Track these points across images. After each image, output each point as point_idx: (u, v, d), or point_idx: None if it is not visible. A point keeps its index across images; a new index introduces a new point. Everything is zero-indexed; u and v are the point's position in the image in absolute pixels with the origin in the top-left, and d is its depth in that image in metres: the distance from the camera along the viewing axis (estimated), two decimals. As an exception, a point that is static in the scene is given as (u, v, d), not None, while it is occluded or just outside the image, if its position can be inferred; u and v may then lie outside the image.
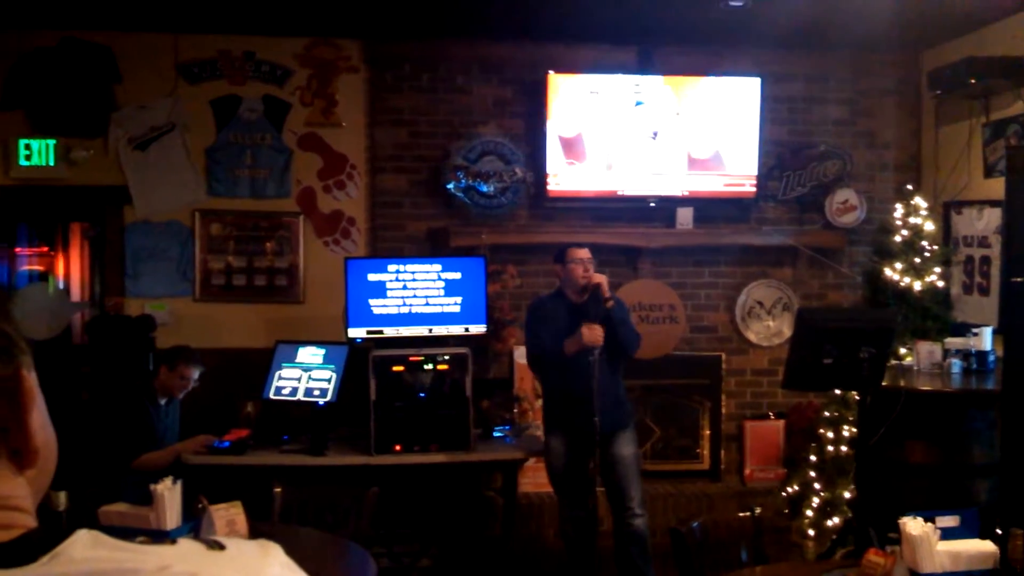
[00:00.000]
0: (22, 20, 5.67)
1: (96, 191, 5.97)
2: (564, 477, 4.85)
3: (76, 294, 6.24)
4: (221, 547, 0.83)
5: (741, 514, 5.17)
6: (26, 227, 6.36)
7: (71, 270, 6.33)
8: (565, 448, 4.81)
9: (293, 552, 0.89)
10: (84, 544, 0.76)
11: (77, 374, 5.55)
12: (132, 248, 5.98)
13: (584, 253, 4.86)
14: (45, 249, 6.36)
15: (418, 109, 6.22)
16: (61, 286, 6.27)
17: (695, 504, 5.92)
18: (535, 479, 5.98)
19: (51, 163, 5.90)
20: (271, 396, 5.11)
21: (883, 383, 4.45)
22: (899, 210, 6.00)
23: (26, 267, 6.38)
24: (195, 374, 4.94)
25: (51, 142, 5.91)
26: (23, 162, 5.86)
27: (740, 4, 5.28)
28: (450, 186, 6.07)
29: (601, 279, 4.74)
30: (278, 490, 3.98)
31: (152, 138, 6.03)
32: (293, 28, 5.98)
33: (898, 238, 5.92)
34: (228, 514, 3.35)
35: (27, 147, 5.87)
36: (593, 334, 4.54)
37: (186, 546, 0.81)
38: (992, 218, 5.66)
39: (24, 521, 0.79)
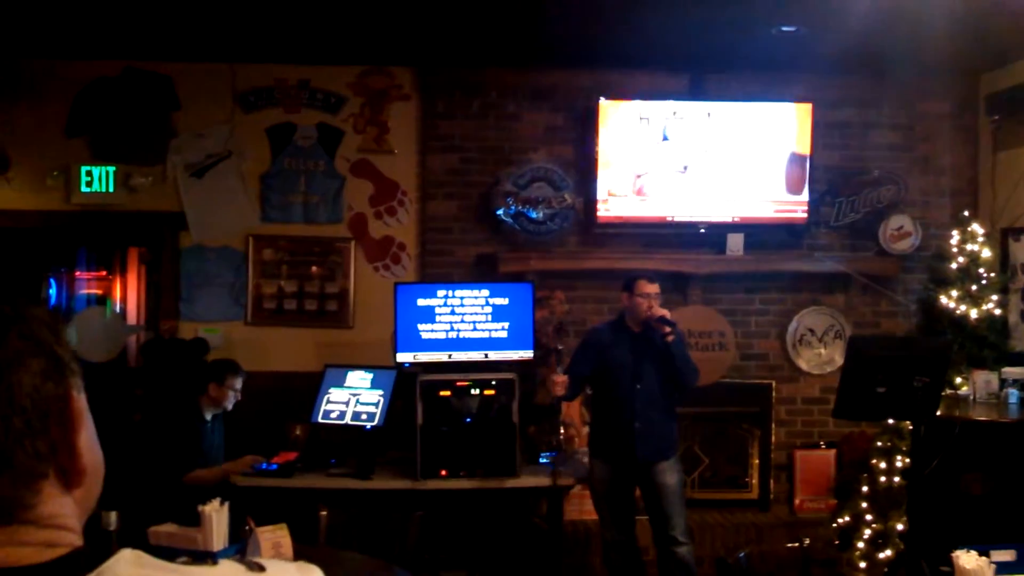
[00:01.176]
0: (87, 50, 5.85)
1: (153, 216, 6.12)
2: (606, 502, 4.89)
3: (132, 317, 6.37)
4: (261, 568, 0.84)
5: (790, 545, 5.08)
6: (85, 251, 6.53)
7: (128, 294, 6.47)
8: (608, 474, 4.86)
9: (337, 575, 0.90)
10: (128, 563, 0.78)
11: (131, 396, 5.66)
12: (187, 272, 6.11)
13: (653, 288, 4.87)
14: (103, 273, 6.52)
15: (468, 135, 6.27)
16: (117, 310, 6.41)
17: (743, 534, 5.82)
18: (581, 506, 5.94)
19: (111, 189, 6.07)
20: (319, 419, 5.16)
21: (938, 413, 4.36)
22: (955, 236, 5.88)
23: (85, 290, 6.54)
24: (240, 383, 5.06)
25: (112, 169, 6.08)
26: (84, 188, 6.04)
27: (793, 29, 5.27)
28: (499, 212, 6.10)
29: (666, 313, 4.78)
30: (324, 513, 4.00)
31: (209, 165, 6.16)
32: (346, 56, 6.08)
33: (954, 265, 5.80)
34: (274, 536, 3.38)
35: (88, 174, 6.04)
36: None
37: (227, 568, 0.82)
38: (1052, 245, 5.53)
39: (70, 540, 0.80)
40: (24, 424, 0.77)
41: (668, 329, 4.73)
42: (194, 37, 5.60)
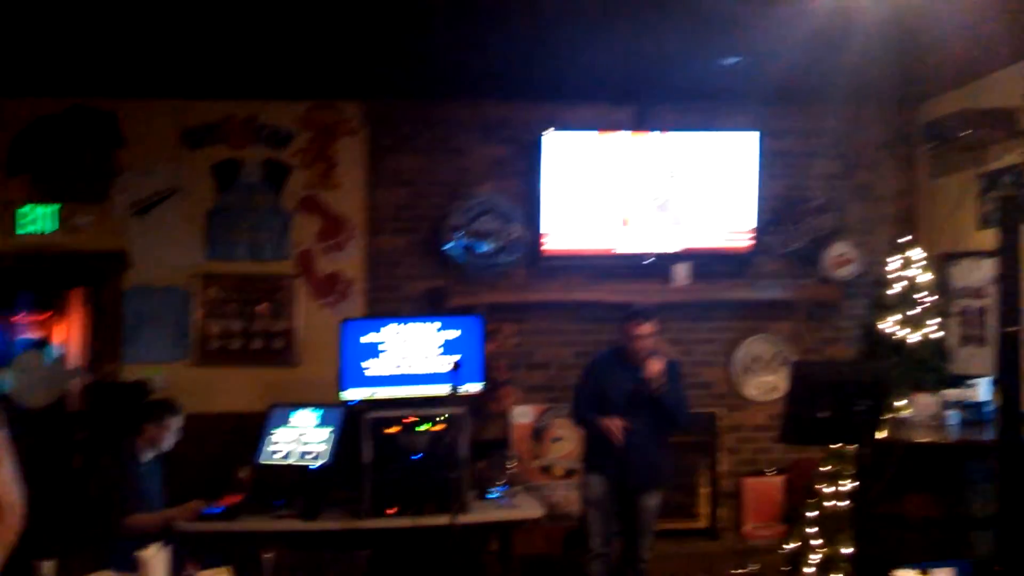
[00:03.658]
0: (31, 87, 5.79)
1: (96, 256, 6.05)
2: (598, 512, 5.08)
3: (75, 360, 6.26)
4: None
5: (736, 571, 5.11)
6: (26, 293, 6.41)
7: (71, 336, 6.36)
8: (603, 488, 5.07)
9: None
10: None
11: (71, 441, 5.55)
12: (131, 313, 6.03)
13: (647, 329, 5.03)
14: (44, 315, 6.41)
15: (417, 169, 6.29)
16: (58, 353, 6.30)
17: (693, 563, 5.84)
18: (531, 541, 5.92)
19: (52, 229, 5.98)
20: (265, 460, 5.10)
21: (880, 436, 4.41)
22: (895, 262, 5.99)
23: (26, 333, 6.42)
24: (178, 423, 4.98)
25: (53, 208, 6.00)
26: (24, 228, 5.94)
27: (735, 61, 5.36)
28: (448, 246, 6.10)
29: (655, 373, 4.90)
30: (268, 555, 3.94)
31: (153, 203, 6.11)
32: (294, 91, 6.08)
33: (894, 290, 5.90)
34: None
35: (29, 213, 5.95)
36: (614, 431, 4.90)
37: None
38: (988, 269, 5.65)
39: None
40: None
41: (655, 385, 4.93)
42: (140, 73, 5.57)
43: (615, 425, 4.90)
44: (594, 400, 5.07)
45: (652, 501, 5.05)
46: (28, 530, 0.80)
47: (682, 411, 5.07)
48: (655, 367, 4.92)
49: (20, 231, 5.97)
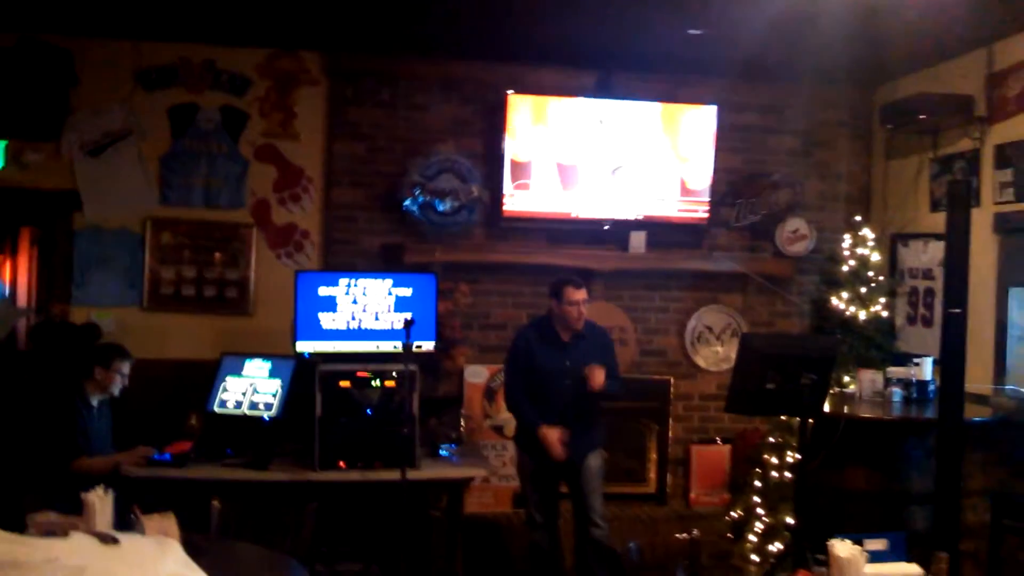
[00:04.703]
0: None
1: (46, 195, 5.91)
2: (533, 487, 5.03)
3: (22, 300, 6.14)
4: (115, 541, 0.82)
5: (679, 535, 5.20)
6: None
7: (18, 275, 6.23)
8: (535, 465, 4.97)
9: (230, 566, 0.89)
10: None
11: (17, 381, 5.45)
12: (80, 255, 5.92)
13: (580, 295, 4.94)
14: (-8, 255, 6.28)
15: (377, 124, 6.23)
16: (5, 292, 6.17)
17: (640, 527, 5.93)
18: (481, 499, 5.98)
19: (1, 165, 5.83)
20: (215, 409, 5.06)
21: (825, 409, 4.50)
22: (847, 241, 6.10)
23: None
24: (128, 368, 4.92)
25: (2, 144, 5.84)
26: (-29, 164, 5.79)
27: (700, 32, 5.37)
28: (406, 202, 6.07)
29: (598, 384, 4.78)
30: (216, 503, 3.93)
31: (106, 144, 5.99)
32: (254, 38, 5.97)
33: (845, 268, 6.02)
34: (160, 525, 3.30)
35: (-25, 149, 5.80)
36: (553, 444, 4.81)
37: (78, 539, 0.81)
38: (937, 251, 5.78)
39: None
40: None
41: (598, 390, 4.81)
42: (96, 11, 5.41)
43: (554, 438, 4.81)
44: (526, 378, 4.98)
45: (594, 462, 5.01)
46: None
47: (617, 388, 5.01)
48: (597, 378, 4.80)
49: (-32, 165, 5.82)
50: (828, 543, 2.84)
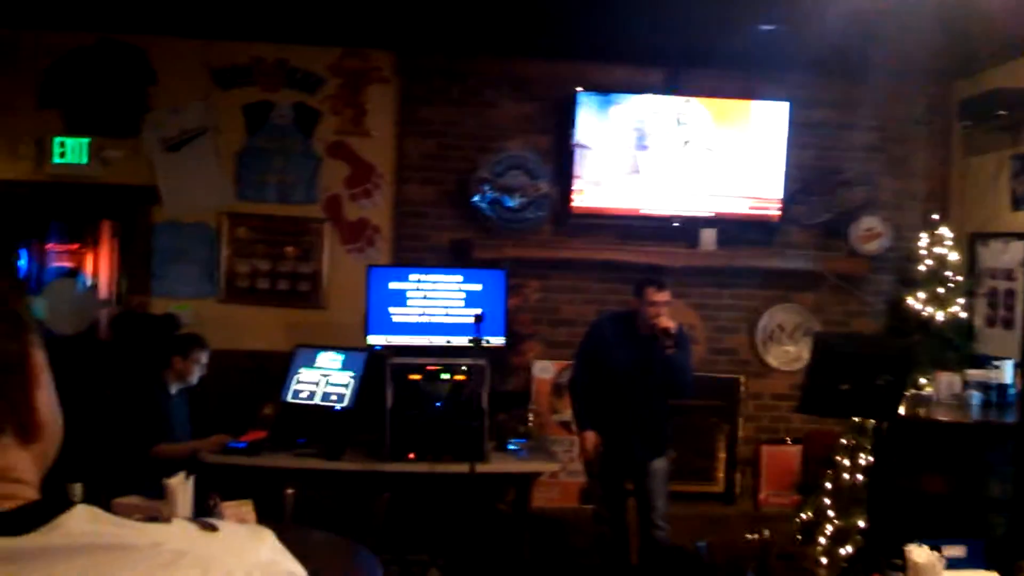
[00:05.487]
0: (62, 21, 5.78)
1: (127, 190, 6.07)
2: (600, 483, 5.11)
3: (104, 291, 6.32)
4: (214, 528, 0.85)
5: (749, 536, 5.15)
6: (57, 224, 6.46)
7: (100, 267, 6.40)
8: (603, 461, 5.00)
9: (302, 552, 0.91)
10: (82, 518, 0.78)
11: (100, 369, 5.61)
12: (159, 248, 6.07)
13: (662, 296, 4.91)
14: (75, 246, 6.46)
15: (447, 121, 6.27)
16: (89, 283, 6.35)
17: (708, 526, 5.87)
18: (548, 494, 5.99)
19: (85, 161, 6.00)
20: (289, 399, 5.15)
21: (900, 412, 4.42)
22: (924, 239, 5.96)
23: (56, 262, 6.47)
24: (205, 357, 5.03)
25: (85, 141, 6.01)
26: (57, 159, 5.97)
27: (772, 28, 5.30)
28: (475, 199, 6.10)
29: (672, 326, 4.80)
30: (290, 492, 4.00)
31: (184, 140, 6.11)
32: (326, 38, 6.05)
33: (922, 267, 5.88)
34: (239, 512, 3.38)
35: (62, 145, 5.97)
36: (584, 450, 4.97)
37: (180, 526, 0.83)
38: (1018, 251, 5.62)
39: (26, 493, 0.81)
40: None
41: (668, 344, 4.79)
42: (172, 11, 5.54)
43: (589, 445, 4.89)
44: (592, 372, 5.00)
45: (659, 465, 5.01)
46: (59, 454, 0.83)
47: (688, 379, 5.00)
48: (669, 323, 4.82)
49: (55, 161, 5.98)
50: (905, 548, 2.80)
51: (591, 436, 4.89)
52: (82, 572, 0.75)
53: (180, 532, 0.82)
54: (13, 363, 0.81)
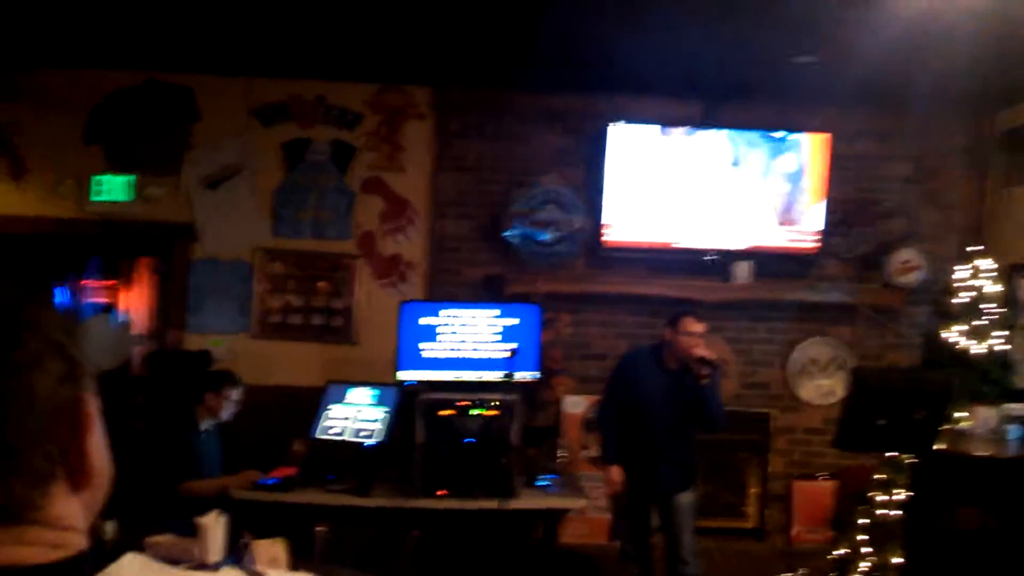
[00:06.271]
0: (110, 59, 5.92)
1: (166, 227, 6.18)
2: (626, 519, 5.13)
3: (140, 327, 6.43)
4: None
5: (783, 575, 5.07)
6: (96, 260, 6.58)
7: (136, 303, 6.52)
8: (628, 497, 5.00)
9: None
10: (132, 567, 0.79)
11: (133, 404, 5.69)
12: (196, 284, 6.16)
13: (699, 327, 4.87)
14: (112, 282, 6.57)
15: (481, 156, 6.32)
16: (123, 319, 6.46)
17: (739, 563, 5.81)
18: (577, 530, 5.96)
19: (125, 198, 6.12)
20: (319, 435, 5.18)
21: (937, 447, 4.34)
22: (962, 271, 5.87)
23: (93, 298, 6.59)
24: (237, 394, 5.08)
25: (126, 178, 6.13)
26: (99, 197, 6.09)
27: (810, 60, 5.28)
28: (508, 233, 6.13)
29: (708, 354, 4.76)
30: (320, 529, 4.02)
31: (223, 178, 6.22)
32: (363, 74, 6.13)
33: (959, 300, 5.79)
34: (271, 551, 3.39)
35: (102, 182, 6.10)
36: (611, 483, 4.97)
37: (227, 574, 0.85)
38: (1058, 283, 5.52)
39: (77, 541, 0.81)
40: (38, 427, 0.79)
41: (706, 372, 4.74)
42: (214, 49, 5.67)
43: (614, 479, 4.90)
44: (621, 405, 4.98)
45: (685, 499, 4.95)
46: None
47: (721, 412, 4.92)
48: (706, 352, 4.76)
49: (94, 199, 6.11)
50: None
51: (616, 471, 4.87)
52: None
53: None
54: (66, 408, 0.81)
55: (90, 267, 6.58)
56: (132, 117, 6.16)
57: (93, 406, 0.85)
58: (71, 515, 0.82)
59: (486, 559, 4.81)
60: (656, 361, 4.97)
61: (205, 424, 4.99)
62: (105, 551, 3.33)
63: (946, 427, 4.88)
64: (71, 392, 0.82)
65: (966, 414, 5.27)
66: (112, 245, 6.42)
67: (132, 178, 6.15)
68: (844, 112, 6.25)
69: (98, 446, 0.85)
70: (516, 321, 5.47)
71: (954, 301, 5.81)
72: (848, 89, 5.68)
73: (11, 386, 0.78)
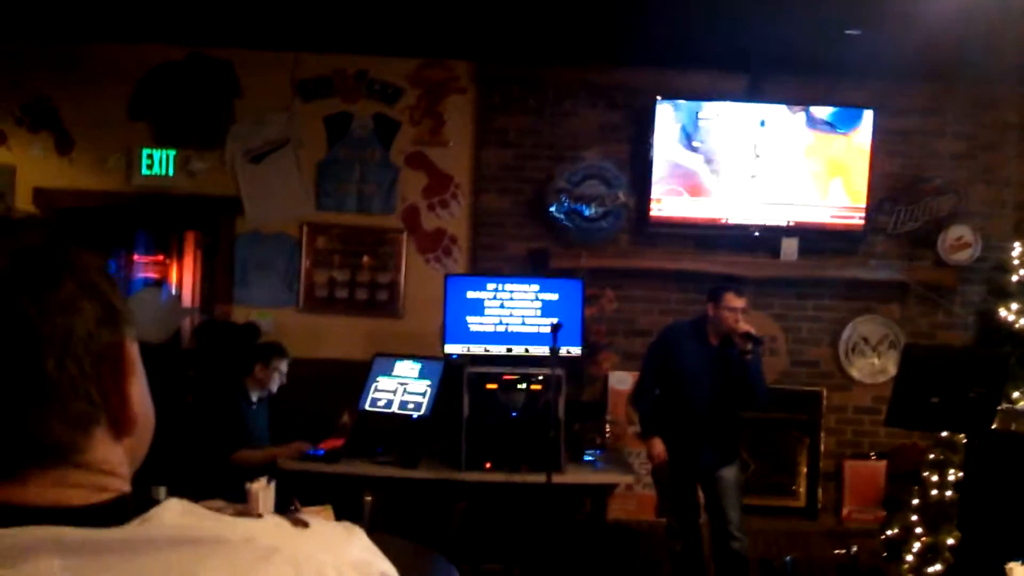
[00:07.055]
0: (153, 35, 5.94)
1: (211, 201, 6.20)
2: (670, 495, 5.08)
3: (187, 300, 6.47)
4: (306, 525, 0.84)
5: (837, 551, 5.01)
6: (144, 234, 6.64)
7: (184, 277, 6.56)
8: (672, 471, 4.96)
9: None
10: (175, 511, 0.78)
11: (183, 377, 5.74)
12: (242, 258, 6.18)
13: (740, 302, 4.86)
14: (160, 257, 6.63)
15: (524, 131, 6.27)
16: (173, 292, 6.51)
17: (789, 541, 5.75)
18: (625, 506, 5.93)
19: (171, 173, 6.15)
20: (367, 407, 5.19)
21: (993, 426, 4.26)
22: (1017, 249, 5.75)
23: (142, 273, 6.65)
24: (286, 366, 5.11)
25: (172, 152, 6.16)
26: (145, 171, 6.13)
27: (858, 32, 5.18)
28: (552, 208, 6.09)
29: (751, 329, 4.77)
30: (368, 498, 4.02)
31: (266, 152, 6.22)
32: (405, 48, 6.11)
33: (1015, 278, 5.67)
34: (319, 517, 3.40)
35: (149, 157, 6.13)
36: (655, 454, 4.91)
37: (272, 521, 0.83)
38: (1118, 260, 5.38)
39: (119, 486, 0.81)
40: (79, 370, 0.78)
41: (749, 347, 4.74)
42: (256, 24, 5.66)
43: (656, 451, 4.87)
44: (661, 380, 4.97)
45: (729, 473, 4.93)
46: (148, 461, 0.82)
47: (763, 386, 4.92)
48: (749, 327, 4.77)
49: (142, 173, 6.14)
50: (1007, 566, 2.68)
51: (659, 442, 4.85)
52: (174, 564, 0.75)
53: (273, 528, 0.81)
54: (107, 353, 0.80)
55: (138, 242, 6.63)
56: (176, 92, 6.17)
57: (134, 352, 0.83)
58: (114, 460, 0.81)
59: (533, 533, 4.80)
60: (697, 334, 4.95)
61: (254, 395, 5.02)
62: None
63: (1002, 406, 4.79)
64: (110, 336, 0.80)
65: (1021, 393, 5.17)
66: (159, 219, 6.46)
67: (176, 152, 6.16)
68: (893, 87, 6.13)
69: (140, 393, 0.84)
70: (559, 296, 5.44)
71: (1009, 279, 5.70)
72: (898, 63, 5.57)
73: (48, 327, 0.76)
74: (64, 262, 0.80)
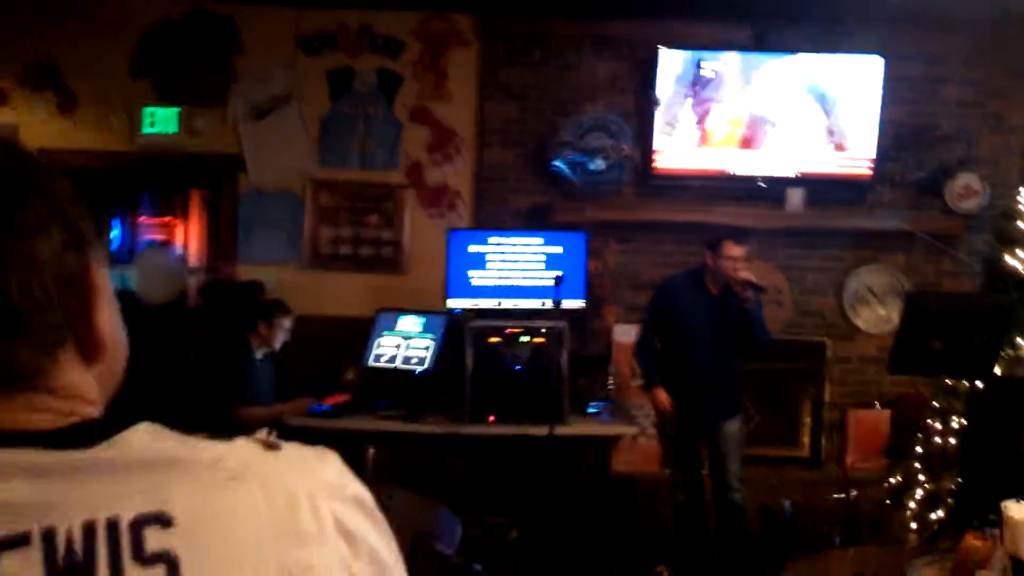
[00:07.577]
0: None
1: (214, 159, 6.19)
2: (672, 448, 5.08)
3: (194, 260, 6.49)
4: (277, 447, 0.84)
5: (836, 496, 5.04)
6: (148, 193, 6.64)
7: (190, 236, 6.58)
8: (673, 424, 4.97)
9: (385, 507, 0.89)
10: (144, 434, 0.78)
11: (189, 335, 5.78)
12: (245, 216, 6.18)
13: (740, 251, 4.82)
14: (166, 219, 6.64)
15: (527, 84, 6.22)
16: (178, 252, 6.53)
17: (792, 490, 5.75)
18: (628, 458, 5.96)
19: (174, 131, 6.13)
20: (371, 363, 5.22)
21: (997, 372, 4.25)
22: (1024, 196, 5.70)
23: (148, 233, 6.67)
24: (289, 323, 5.13)
25: (175, 110, 6.14)
26: (148, 129, 6.11)
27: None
28: (556, 161, 6.06)
29: (752, 277, 4.74)
30: (372, 451, 4.06)
31: (269, 109, 6.19)
32: (408, 2, 6.05)
33: (1022, 225, 5.63)
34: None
35: (152, 115, 6.11)
36: (661, 403, 4.89)
37: (243, 443, 0.83)
38: None
39: (87, 411, 0.80)
40: (44, 294, 0.77)
41: (749, 295, 4.71)
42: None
43: (661, 399, 4.87)
44: (661, 332, 4.97)
45: (732, 427, 4.95)
46: (149, 417, 0.82)
47: (764, 332, 4.90)
48: (750, 275, 4.74)
49: (145, 131, 6.13)
50: (1002, 504, 2.69)
51: (662, 391, 4.85)
52: (142, 485, 0.75)
53: (243, 450, 0.81)
54: (74, 276, 0.79)
55: (143, 201, 6.64)
56: (177, 49, 6.14)
57: (102, 278, 0.83)
58: (83, 385, 0.80)
59: (536, 486, 4.83)
60: (696, 285, 4.94)
61: (259, 353, 5.05)
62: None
63: (1005, 353, 4.78)
64: (77, 260, 0.80)
65: (1027, 340, 5.15)
66: (163, 178, 6.46)
67: (179, 110, 6.15)
68: (898, 33, 6.03)
69: (109, 319, 0.83)
70: (563, 249, 5.43)
71: (1016, 226, 5.65)
72: (902, 9, 5.48)
73: (14, 250, 0.76)
74: (32, 184, 0.79)
